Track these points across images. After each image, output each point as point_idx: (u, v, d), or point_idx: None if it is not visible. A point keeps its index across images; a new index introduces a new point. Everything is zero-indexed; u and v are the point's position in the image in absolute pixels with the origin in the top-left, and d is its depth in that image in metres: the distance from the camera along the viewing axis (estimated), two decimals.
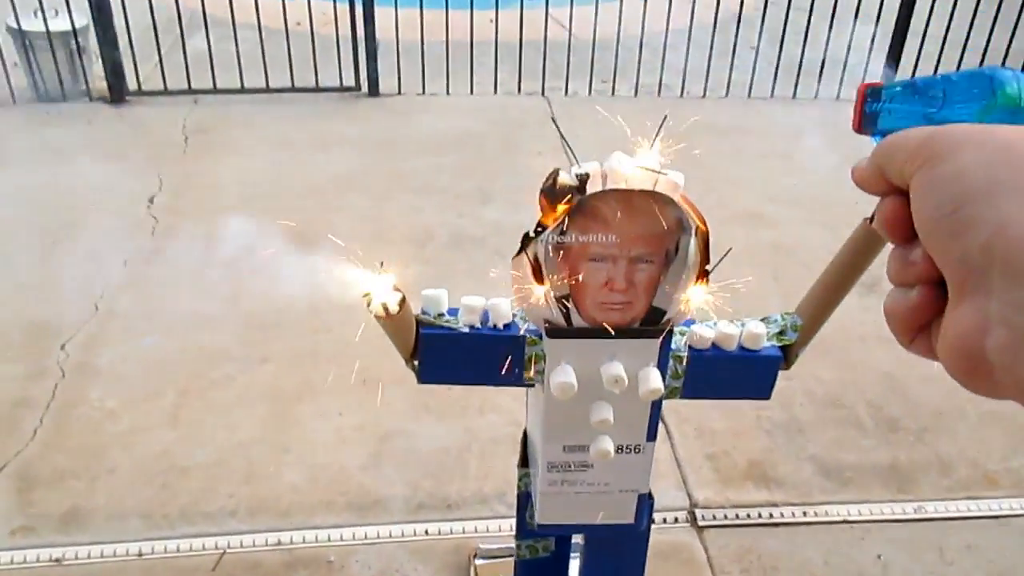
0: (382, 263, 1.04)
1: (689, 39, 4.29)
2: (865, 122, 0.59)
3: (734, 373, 1.28)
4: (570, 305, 1.13)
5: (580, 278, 1.10)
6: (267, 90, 4.21)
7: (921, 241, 0.41)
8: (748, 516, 1.94)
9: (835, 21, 4.27)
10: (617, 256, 1.09)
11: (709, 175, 3.43)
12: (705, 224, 1.09)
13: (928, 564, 1.86)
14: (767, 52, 4.44)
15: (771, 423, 2.20)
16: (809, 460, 2.11)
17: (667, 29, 4.33)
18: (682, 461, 2.07)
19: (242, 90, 4.20)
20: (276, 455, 2.04)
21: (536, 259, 1.09)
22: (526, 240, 1.08)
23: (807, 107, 4.39)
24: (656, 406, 1.24)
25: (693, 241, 1.09)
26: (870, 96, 0.59)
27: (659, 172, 1.02)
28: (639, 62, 4.31)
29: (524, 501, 1.44)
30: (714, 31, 4.33)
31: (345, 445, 2.06)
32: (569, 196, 1.05)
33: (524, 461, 1.43)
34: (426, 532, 1.84)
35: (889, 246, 0.46)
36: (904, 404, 2.33)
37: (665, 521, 1.90)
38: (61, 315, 2.58)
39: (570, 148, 1.07)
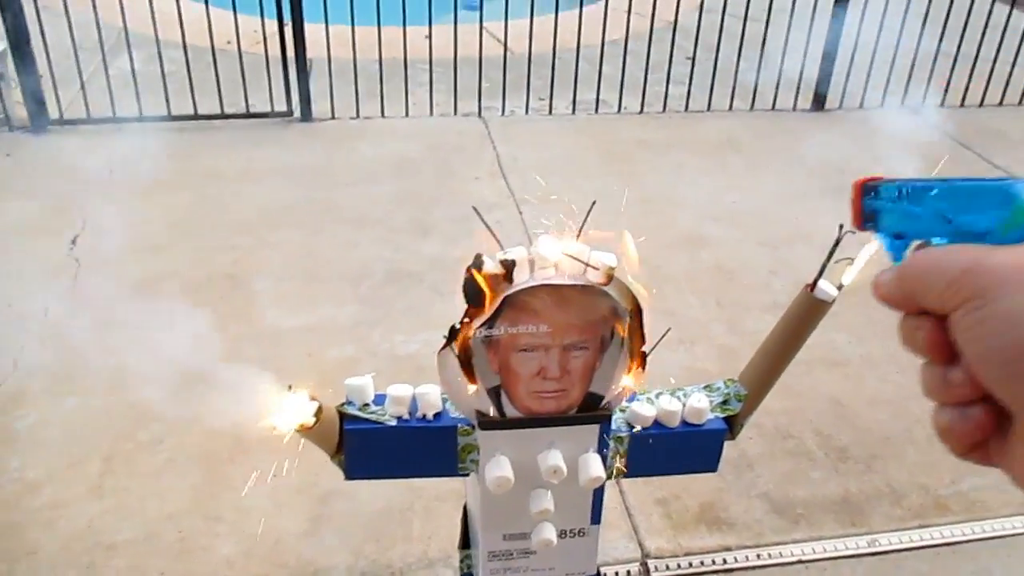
0: (290, 386, 0.96)
1: (625, 50, 4.26)
2: (865, 219, 0.56)
3: (678, 449, 1.22)
4: (503, 395, 1.07)
5: (512, 369, 1.04)
6: (195, 117, 4.06)
7: (982, 380, 0.41)
8: (702, 563, 1.90)
9: (770, 27, 4.28)
10: (550, 345, 1.03)
11: (649, 195, 3.40)
12: (639, 304, 1.04)
13: None
14: (704, 62, 4.43)
15: (721, 460, 2.16)
16: (760, 498, 2.08)
17: (603, 40, 4.29)
18: (632, 509, 2.02)
19: (169, 117, 4.05)
20: (208, 525, 1.93)
21: (464, 352, 1.02)
22: (453, 333, 1.01)
23: (743, 119, 4.39)
24: (600, 489, 1.18)
25: (628, 324, 1.04)
26: (868, 192, 0.56)
27: (588, 264, 0.96)
28: (576, 77, 4.27)
29: None
30: (650, 41, 4.31)
31: (282, 510, 1.97)
32: (495, 286, 0.98)
33: (465, 542, 1.36)
34: None
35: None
36: (852, 431, 2.31)
37: (618, 575, 1.85)
38: None
39: (495, 235, 1.01)
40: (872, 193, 0.55)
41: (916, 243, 0.50)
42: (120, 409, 2.29)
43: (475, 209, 0.95)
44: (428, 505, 1.99)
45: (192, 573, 1.82)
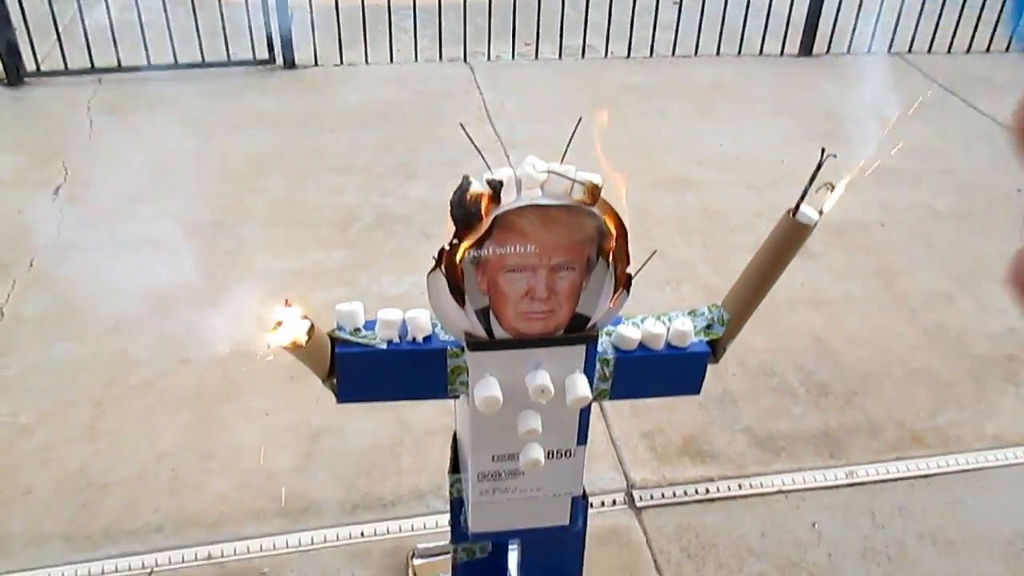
0: (287, 301, 0.97)
1: None
2: None
3: (662, 371, 1.25)
4: (491, 317, 1.08)
5: (500, 289, 1.05)
6: (176, 66, 4.01)
7: None
8: (685, 493, 1.94)
9: None
10: (537, 265, 1.04)
11: (635, 139, 3.40)
12: (624, 227, 1.05)
13: (861, 528, 1.89)
14: (691, 7, 4.40)
15: (705, 396, 2.20)
16: (743, 432, 2.12)
17: None
18: (617, 441, 2.06)
19: (149, 67, 4.00)
20: (201, 463, 1.96)
21: (453, 273, 1.03)
22: (441, 255, 1.03)
23: (731, 64, 4.38)
24: (586, 410, 1.21)
25: (613, 245, 1.05)
26: None
27: (574, 180, 0.97)
28: (562, 21, 4.23)
29: (457, 507, 1.40)
30: None
31: (274, 447, 2.00)
32: (482, 208, 0.99)
33: (455, 466, 1.39)
34: (362, 534, 1.80)
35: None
36: (833, 368, 2.35)
37: (603, 504, 1.89)
38: None
39: (482, 154, 1.02)
40: None
41: None
42: (110, 354, 2.30)
43: (462, 126, 0.96)
44: (418, 440, 2.02)
45: (186, 509, 1.85)
